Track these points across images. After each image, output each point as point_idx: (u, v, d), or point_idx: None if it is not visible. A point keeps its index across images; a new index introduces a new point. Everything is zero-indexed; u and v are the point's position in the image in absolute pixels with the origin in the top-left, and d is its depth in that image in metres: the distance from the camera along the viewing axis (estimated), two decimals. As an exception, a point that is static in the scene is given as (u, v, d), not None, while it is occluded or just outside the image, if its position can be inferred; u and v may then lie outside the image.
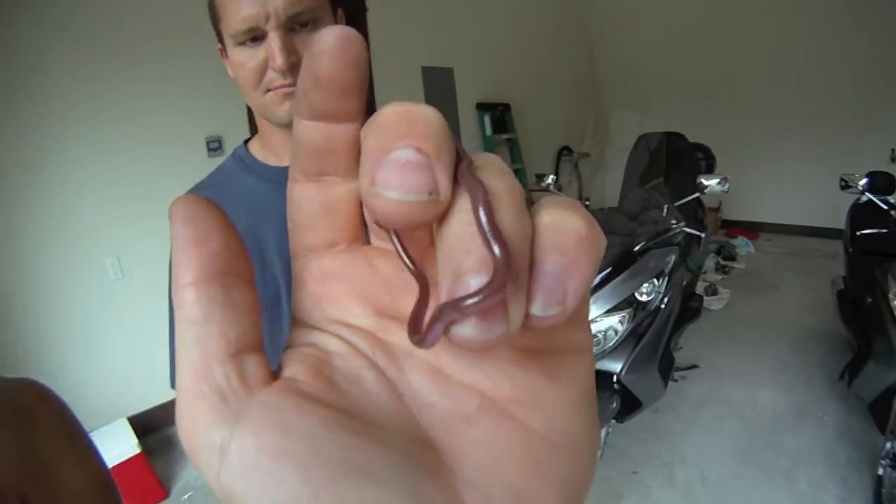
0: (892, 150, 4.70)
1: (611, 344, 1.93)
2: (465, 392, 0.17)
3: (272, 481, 0.14)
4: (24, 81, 2.48)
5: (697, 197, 2.41)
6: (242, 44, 0.78)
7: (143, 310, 2.80)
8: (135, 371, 2.78)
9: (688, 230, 2.28)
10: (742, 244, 5.06)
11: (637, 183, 2.60)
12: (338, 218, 0.19)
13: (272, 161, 0.89)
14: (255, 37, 0.77)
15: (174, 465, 2.63)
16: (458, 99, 4.57)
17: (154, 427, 2.71)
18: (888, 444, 1.88)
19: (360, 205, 0.19)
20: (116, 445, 2.35)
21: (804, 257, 4.86)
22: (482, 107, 4.81)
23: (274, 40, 0.75)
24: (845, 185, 2.59)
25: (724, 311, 3.79)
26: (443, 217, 0.15)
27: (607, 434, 2.18)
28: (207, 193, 0.82)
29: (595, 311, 1.92)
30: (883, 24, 4.62)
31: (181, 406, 0.15)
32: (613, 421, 2.10)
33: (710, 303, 3.74)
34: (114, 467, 2.30)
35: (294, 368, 0.17)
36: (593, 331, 1.91)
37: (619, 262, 2.03)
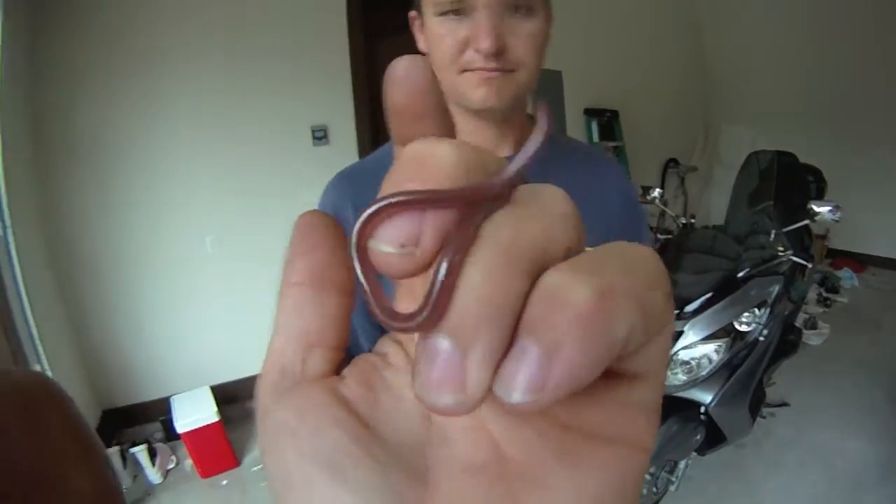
0: None
1: (703, 373, 1.82)
2: (484, 438, 0.16)
3: (277, 455, 0.17)
4: (141, 66, 2.65)
5: (806, 224, 2.24)
6: (444, 14, 0.70)
7: (235, 285, 2.94)
8: (222, 343, 2.92)
9: (795, 259, 2.13)
10: (847, 276, 4.68)
11: (745, 204, 2.46)
12: None
13: None
14: (460, 10, 0.69)
15: (249, 437, 2.74)
16: (566, 103, 4.45)
17: (235, 398, 2.81)
18: None
19: None
20: (197, 411, 2.47)
21: (914, 298, 4.44)
22: (590, 112, 4.67)
23: (483, 18, 0.67)
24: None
25: (822, 346, 3.52)
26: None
27: (686, 466, 2.07)
28: (355, 180, 0.80)
29: (691, 336, 1.82)
30: None
31: (261, 370, 0.19)
32: (694, 453, 1.99)
33: (809, 337, 3.48)
34: (191, 431, 2.44)
35: (351, 370, 0.19)
36: (686, 357, 1.81)
37: (721, 288, 1.91)
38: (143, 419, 2.75)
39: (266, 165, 2.98)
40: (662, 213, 2.49)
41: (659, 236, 2.38)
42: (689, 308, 1.84)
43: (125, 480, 2.46)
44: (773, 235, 2.16)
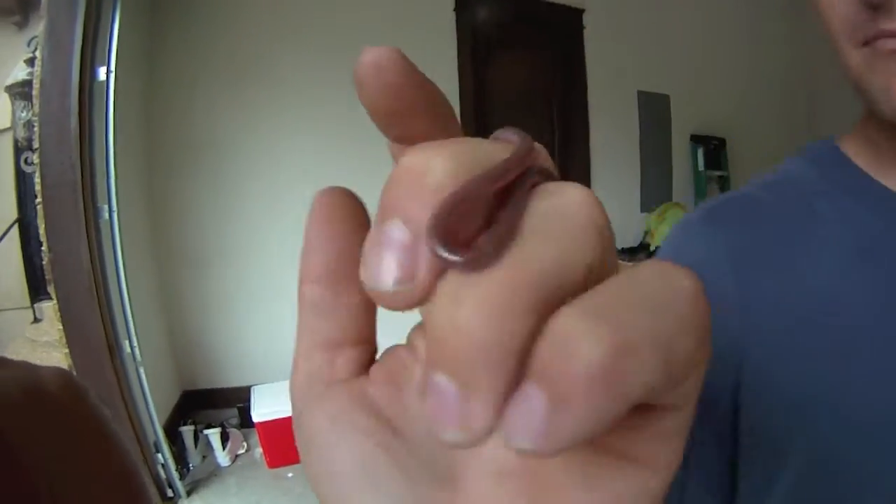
0: None
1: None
2: None
3: (311, 463, 0.17)
4: (250, 75, 2.74)
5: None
6: None
7: None
8: None
9: None
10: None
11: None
12: None
13: (891, 177, 0.48)
14: None
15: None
16: (672, 128, 4.29)
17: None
18: None
19: None
20: (275, 403, 2.54)
21: None
22: (696, 139, 4.44)
23: None
24: None
25: None
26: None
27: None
28: (728, 218, 0.53)
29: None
30: None
31: (291, 374, 0.18)
32: None
33: None
34: (266, 422, 2.52)
35: (380, 368, 0.18)
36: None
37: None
38: (222, 404, 2.90)
39: (368, 179, 2.98)
40: None
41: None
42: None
43: (194, 458, 2.59)
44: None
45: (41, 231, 1.96)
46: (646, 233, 4.01)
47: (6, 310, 2.68)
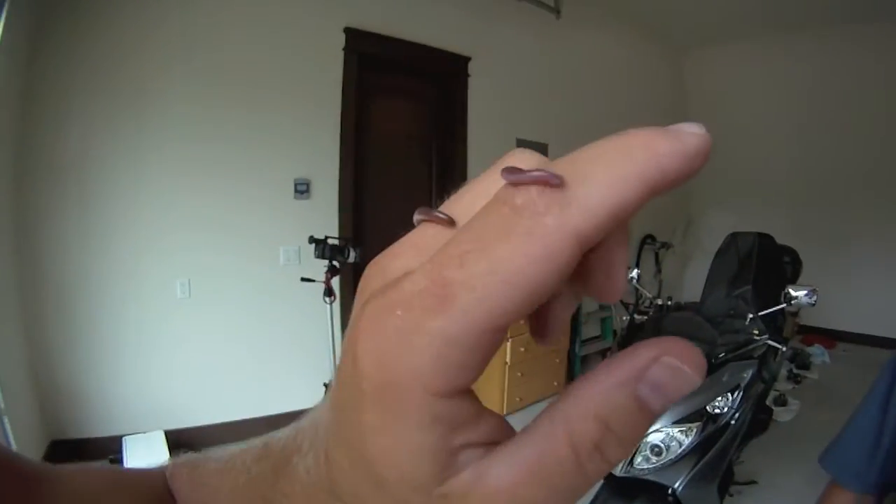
0: None
1: (672, 456, 1.80)
2: None
3: None
4: (131, 103, 2.66)
5: (783, 307, 2.26)
6: None
7: (203, 332, 2.88)
8: (182, 388, 2.84)
9: (770, 343, 2.13)
10: (818, 353, 4.74)
11: (723, 286, 2.47)
12: None
13: None
14: None
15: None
16: None
17: (188, 445, 2.69)
18: None
19: None
20: (148, 454, 2.44)
21: (884, 375, 4.48)
22: None
23: None
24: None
25: (792, 423, 3.52)
26: None
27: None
28: None
29: (662, 420, 1.80)
30: None
31: None
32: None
33: (779, 414, 3.49)
34: None
35: None
36: (656, 441, 1.79)
37: (695, 372, 1.89)
38: (93, 455, 2.62)
39: (245, 215, 2.97)
40: (638, 292, 2.50)
41: (635, 317, 2.38)
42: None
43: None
44: (748, 319, 2.17)
45: None
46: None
47: None
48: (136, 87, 2.64)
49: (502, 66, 4.13)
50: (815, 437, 3.20)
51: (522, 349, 3.63)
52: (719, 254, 2.68)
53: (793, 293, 2.17)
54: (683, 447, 1.81)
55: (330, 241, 2.59)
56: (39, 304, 2.58)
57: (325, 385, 2.71)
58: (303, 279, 2.66)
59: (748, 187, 5.89)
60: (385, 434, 0.17)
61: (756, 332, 2.12)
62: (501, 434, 0.18)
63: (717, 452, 1.89)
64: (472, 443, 0.17)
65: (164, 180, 2.76)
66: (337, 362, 0.19)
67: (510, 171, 0.17)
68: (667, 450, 1.80)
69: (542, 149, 4.12)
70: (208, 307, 2.88)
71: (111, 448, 2.54)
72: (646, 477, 1.80)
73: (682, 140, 0.16)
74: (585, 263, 0.18)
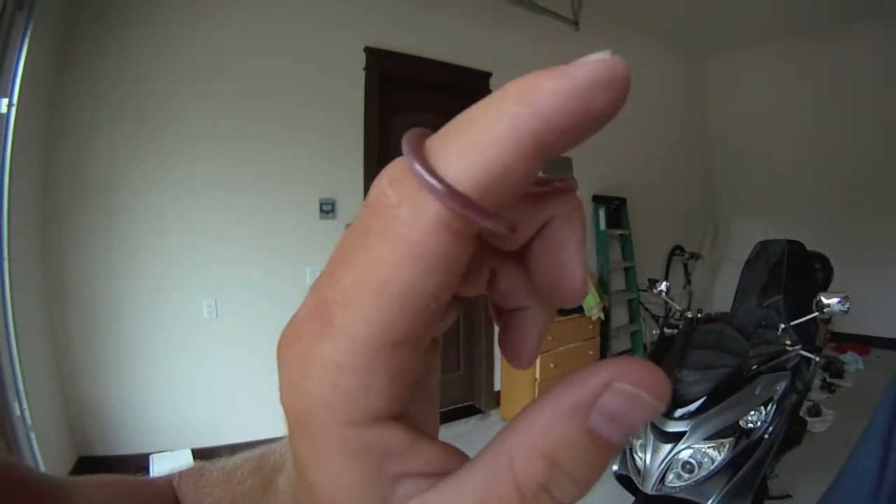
0: None
1: (705, 473, 1.75)
2: None
3: None
4: (155, 121, 2.69)
5: (815, 316, 2.19)
6: None
7: (230, 352, 2.90)
8: (209, 407, 2.86)
9: (803, 353, 2.07)
10: (852, 360, 4.60)
11: (754, 296, 2.42)
12: None
13: None
14: None
15: None
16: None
17: (216, 464, 2.72)
18: None
19: None
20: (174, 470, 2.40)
21: (920, 382, 4.33)
22: (598, 199, 4.70)
23: None
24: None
25: (826, 434, 3.41)
26: None
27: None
28: None
29: (695, 437, 1.75)
30: None
31: None
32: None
33: (813, 425, 3.38)
34: None
35: None
36: (688, 458, 1.74)
37: (726, 386, 1.85)
38: (119, 471, 2.63)
39: (271, 235, 3.00)
40: (667, 305, 2.45)
41: (665, 330, 2.33)
42: (693, 407, 1.78)
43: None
44: (780, 330, 2.12)
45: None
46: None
47: None
48: (160, 106, 2.68)
49: (524, 80, 4.12)
50: (850, 448, 3.14)
51: (552, 365, 3.59)
52: (749, 263, 2.63)
53: (825, 301, 2.11)
54: (716, 463, 1.76)
55: (356, 260, 2.59)
56: (67, 322, 2.62)
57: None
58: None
59: (776, 194, 5.77)
60: (314, 466, 0.15)
61: (788, 342, 2.07)
62: (450, 462, 0.16)
63: (750, 468, 1.84)
64: (413, 472, 0.15)
65: (189, 200, 2.79)
66: None
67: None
68: (699, 466, 1.75)
69: (566, 163, 4.11)
70: (235, 327, 2.90)
71: (138, 465, 2.55)
72: (678, 495, 1.75)
73: (567, 75, 0.13)
74: (537, 262, 0.17)
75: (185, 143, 2.75)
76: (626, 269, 4.97)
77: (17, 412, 2.05)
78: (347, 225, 0.17)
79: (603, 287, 4.46)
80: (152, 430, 2.75)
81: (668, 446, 1.75)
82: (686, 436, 1.74)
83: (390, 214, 0.14)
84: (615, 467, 1.88)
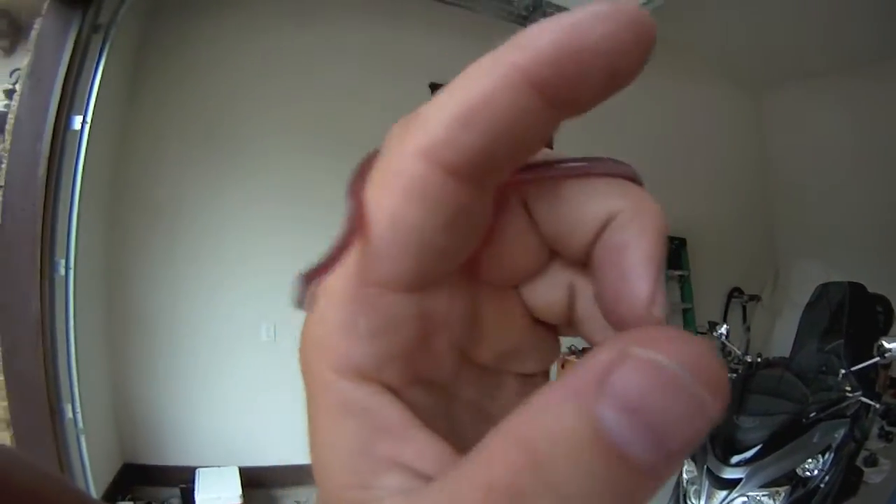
0: None
1: (758, 523, 1.69)
2: None
3: None
4: (219, 150, 2.79)
5: (876, 361, 2.10)
6: None
7: (285, 376, 2.94)
8: (259, 427, 2.89)
9: (863, 400, 1.99)
10: (910, 407, 4.37)
11: (814, 339, 2.34)
12: None
13: None
14: None
15: (269, 523, 2.65)
16: None
17: (261, 484, 2.76)
18: None
19: None
20: (221, 488, 2.46)
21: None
22: None
23: None
24: None
25: (882, 484, 3.24)
26: None
27: None
28: None
29: (751, 484, 1.69)
30: None
31: None
32: None
33: (869, 475, 3.22)
34: None
35: None
36: (740, 504, 1.69)
37: (784, 433, 1.79)
38: (164, 482, 2.70)
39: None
40: (726, 349, 2.39)
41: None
42: (749, 454, 1.72)
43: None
44: (840, 375, 2.04)
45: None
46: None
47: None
48: (229, 135, 2.77)
49: (582, 116, 4.10)
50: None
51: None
52: (809, 306, 2.54)
53: (886, 345, 2.02)
54: (770, 513, 1.70)
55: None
56: (126, 334, 2.72)
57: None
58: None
59: (837, 235, 5.55)
60: (309, 419, 0.15)
61: (849, 388, 1.99)
62: (446, 464, 0.13)
63: (806, 518, 1.77)
64: (401, 462, 0.13)
65: (252, 224, 2.87)
66: None
67: None
68: (752, 516, 1.69)
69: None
70: (292, 353, 2.94)
71: (182, 478, 2.60)
72: (731, 543, 1.69)
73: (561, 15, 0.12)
74: (596, 273, 0.14)
75: (249, 172, 2.83)
76: (685, 311, 4.82)
77: (70, 414, 2.11)
78: None
79: (662, 330, 4.35)
80: (200, 445, 2.79)
81: (723, 493, 1.69)
82: (742, 483, 1.68)
83: (391, 153, 0.15)
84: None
